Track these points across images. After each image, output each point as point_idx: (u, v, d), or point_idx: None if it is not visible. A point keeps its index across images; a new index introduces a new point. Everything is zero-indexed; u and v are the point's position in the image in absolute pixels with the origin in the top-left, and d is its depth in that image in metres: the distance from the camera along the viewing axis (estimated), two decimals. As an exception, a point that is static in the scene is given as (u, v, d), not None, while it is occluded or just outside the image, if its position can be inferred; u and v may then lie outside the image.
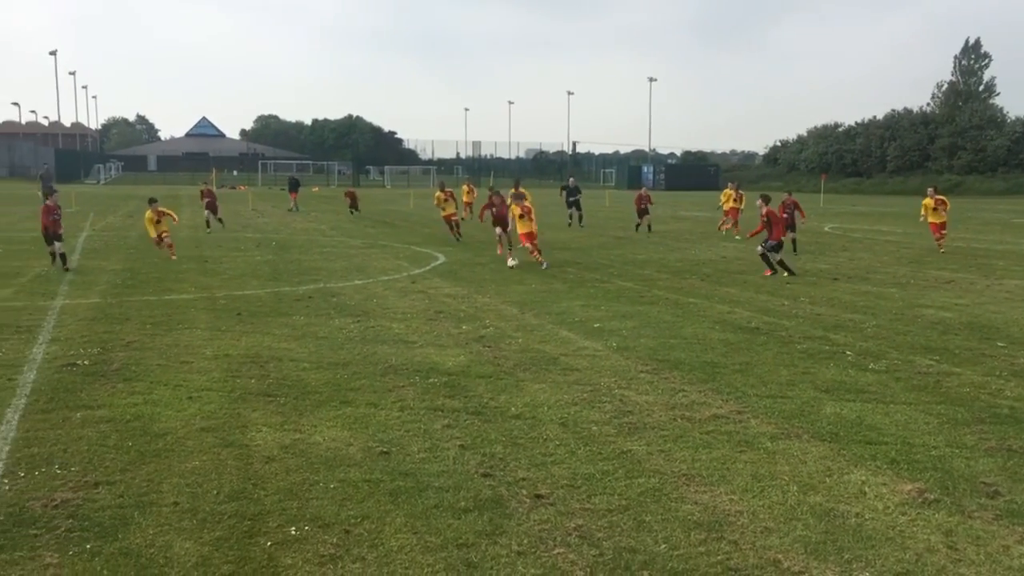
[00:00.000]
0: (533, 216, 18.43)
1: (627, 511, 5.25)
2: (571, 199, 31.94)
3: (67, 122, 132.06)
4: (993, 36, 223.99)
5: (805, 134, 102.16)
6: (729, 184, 28.87)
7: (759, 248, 17.41)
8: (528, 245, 18.14)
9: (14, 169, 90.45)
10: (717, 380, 8.56)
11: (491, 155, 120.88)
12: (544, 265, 17.72)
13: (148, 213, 19.69)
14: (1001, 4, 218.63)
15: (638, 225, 28.69)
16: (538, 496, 5.47)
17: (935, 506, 5.37)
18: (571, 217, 31.75)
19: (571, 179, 36.69)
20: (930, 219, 22.03)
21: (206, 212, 28.85)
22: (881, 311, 12.82)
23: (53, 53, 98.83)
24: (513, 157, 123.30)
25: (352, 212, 38.03)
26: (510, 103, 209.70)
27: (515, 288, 14.98)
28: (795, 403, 7.74)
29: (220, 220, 29.02)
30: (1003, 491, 5.61)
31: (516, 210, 18.42)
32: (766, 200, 17.08)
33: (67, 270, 16.55)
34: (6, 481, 5.66)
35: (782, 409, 7.54)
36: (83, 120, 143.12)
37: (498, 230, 20.08)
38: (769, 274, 16.91)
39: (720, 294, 14.56)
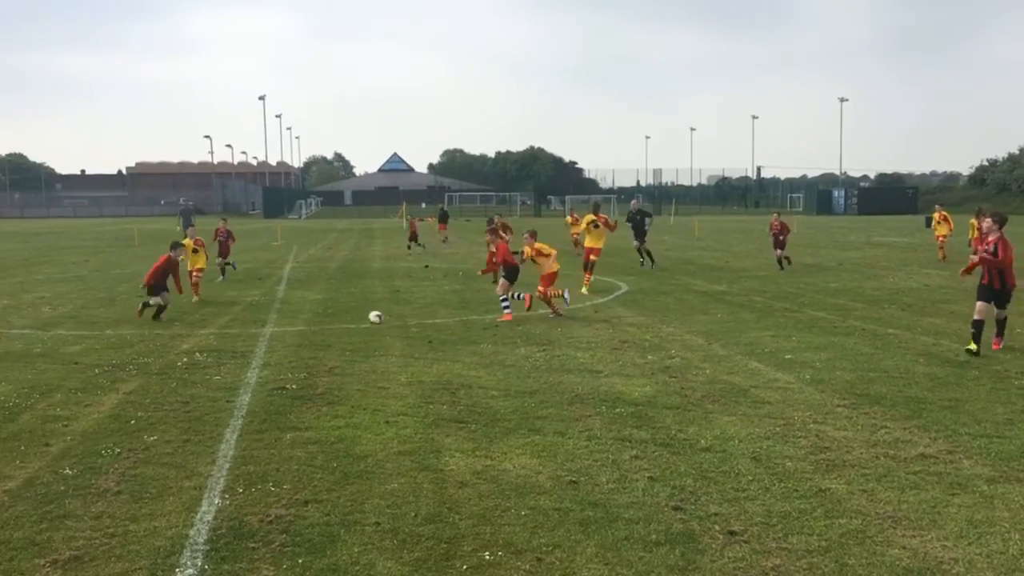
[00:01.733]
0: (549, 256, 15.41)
1: (828, 553, 5.01)
2: (638, 229, 24.80)
3: (273, 161, 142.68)
4: None
5: (1017, 152, 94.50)
6: (936, 207, 27.36)
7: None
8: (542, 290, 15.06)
9: (227, 205, 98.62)
10: (923, 417, 8.03)
11: (672, 182, 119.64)
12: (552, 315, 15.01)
13: (187, 241, 18.24)
14: None
15: (779, 260, 23.90)
16: (731, 532, 5.32)
17: None
18: (641, 255, 24.75)
19: (634, 202, 27.50)
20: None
21: (411, 242, 32.75)
22: (1113, 344, 11.61)
23: (262, 98, 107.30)
24: (695, 184, 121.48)
25: (410, 246, 33.40)
26: (692, 129, 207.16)
27: (700, 318, 14.70)
28: (1014, 444, 7.14)
29: (422, 245, 33.37)
30: None
31: (528, 252, 15.43)
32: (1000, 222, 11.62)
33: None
34: (227, 496, 6.14)
35: (999, 450, 6.97)
36: (287, 159, 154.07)
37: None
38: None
39: (923, 325, 13.68)
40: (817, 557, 4.96)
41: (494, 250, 17.08)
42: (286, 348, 12.22)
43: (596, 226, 19.26)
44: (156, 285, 15.36)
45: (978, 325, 10.97)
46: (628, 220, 25.71)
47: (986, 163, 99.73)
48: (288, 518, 5.67)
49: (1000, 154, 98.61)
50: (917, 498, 5.91)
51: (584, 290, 18.34)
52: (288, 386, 9.68)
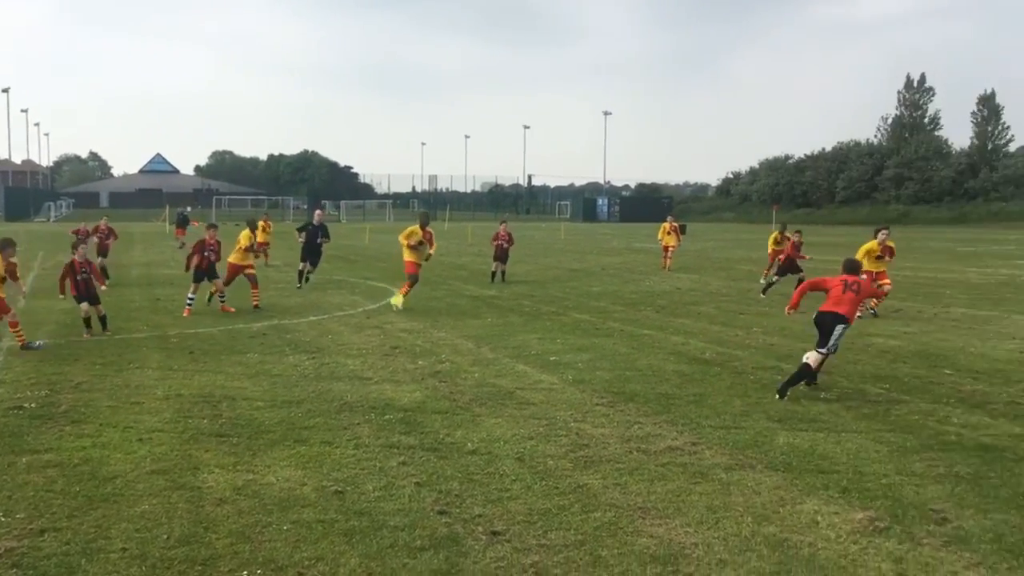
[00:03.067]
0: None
1: (583, 546, 5.25)
2: (309, 244, 20.74)
3: (18, 159, 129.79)
4: (936, 70, 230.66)
5: (757, 166, 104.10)
6: (668, 218, 28.49)
7: None
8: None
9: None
10: (672, 412, 8.63)
11: (447, 188, 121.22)
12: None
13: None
14: (943, 40, 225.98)
15: (493, 274, 22.85)
16: (494, 533, 5.45)
17: (885, 534, 5.46)
18: (301, 276, 20.95)
19: (317, 212, 23.27)
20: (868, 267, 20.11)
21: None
22: (832, 340, 13.03)
23: (6, 90, 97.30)
24: (469, 191, 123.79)
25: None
26: (466, 137, 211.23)
27: (471, 323, 14.98)
28: (749, 433, 7.83)
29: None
30: (951, 517, 5.72)
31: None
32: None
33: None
34: (-54, 530, 5.49)
35: (736, 439, 7.62)
36: (34, 157, 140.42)
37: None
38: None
39: (675, 325, 14.71)
40: (573, 551, 5.19)
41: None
42: (25, 363, 11.14)
43: (420, 242, 17.35)
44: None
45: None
46: (300, 229, 21.84)
47: (731, 176, 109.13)
48: (20, 550, 5.16)
49: (743, 168, 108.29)
50: (664, 488, 6.33)
51: (397, 301, 16.82)
52: (26, 405, 8.82)
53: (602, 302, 18.21)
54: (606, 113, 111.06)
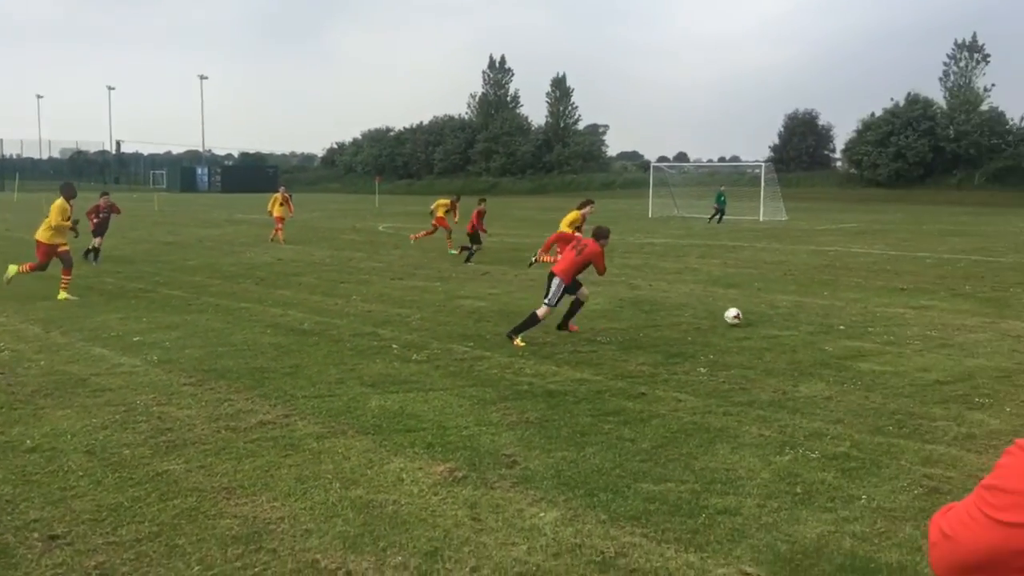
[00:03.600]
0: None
1: (158, 538, 4.88)
2: None
3: None
4: (517, 53, 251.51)
5: (360, 137, 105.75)
6: (281, 188, 27.92)
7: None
8: None
9: None
10: (266, 385, 8.40)
11: (16, 155, 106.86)
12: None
13: None
14: (522, 24, 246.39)
15: (88, 252, 19.57)
16: (53, 537, 4.86)
17: (463, 483, 5.79)
18: None
19: None
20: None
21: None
22: (426, 304, 13.64)
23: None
24: (45, 157, 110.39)
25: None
26: (39, 97, 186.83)
27: (41, 304, 13.33)
28: (342, 400, 7.88)
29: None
30: (520, 460, 6.24)
31: None
32: None
33: None
34: None
35: (329, 408, 7.62)
36: None
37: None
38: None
39: (274, 297, 14.39)
40: (146, 544, 4.80)
41: None
42: None
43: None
44: None
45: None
46: None
47: (335, 146, 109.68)
48: None
49: (347, 139, 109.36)
50: (253, 465, 6.12)
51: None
52: None
53: (197, 276, 17.25)
54: (202, 77, 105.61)
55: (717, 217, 38.46)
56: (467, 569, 4.57)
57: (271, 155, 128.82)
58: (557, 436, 6.85)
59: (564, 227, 15.30)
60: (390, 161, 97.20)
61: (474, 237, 20.53)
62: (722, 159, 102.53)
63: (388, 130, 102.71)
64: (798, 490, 5.74)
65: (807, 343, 10.65)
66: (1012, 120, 73.70)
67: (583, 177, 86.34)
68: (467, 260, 20.06)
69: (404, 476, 5.91)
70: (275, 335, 11.01)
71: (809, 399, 8.04)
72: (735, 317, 11.98)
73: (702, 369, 9.22)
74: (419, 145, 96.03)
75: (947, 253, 23.09)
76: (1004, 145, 71.64)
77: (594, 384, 8.53)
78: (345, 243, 26.17)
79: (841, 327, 11.74)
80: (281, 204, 26.22)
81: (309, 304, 13.62)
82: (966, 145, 71.13)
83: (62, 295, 13.98)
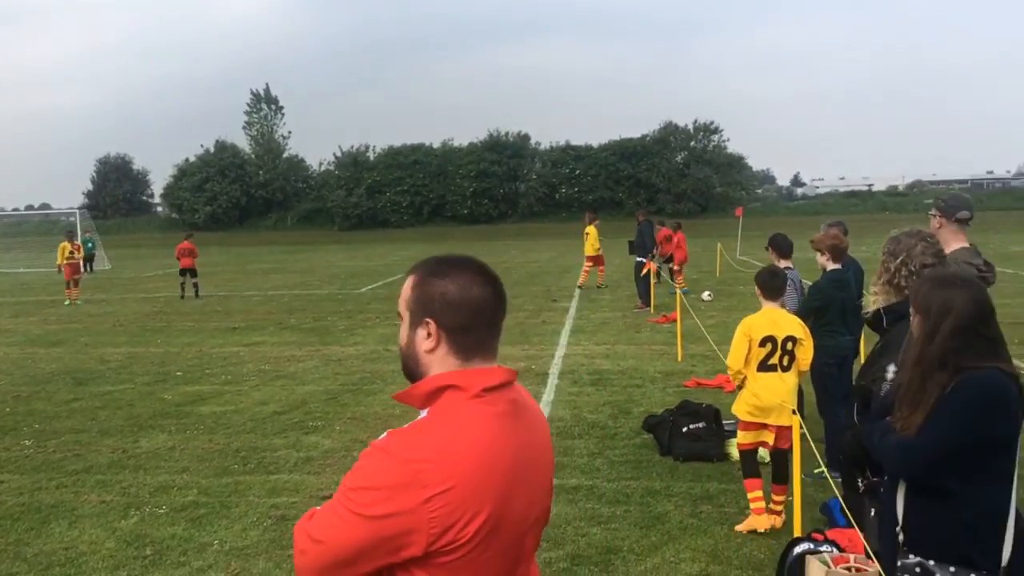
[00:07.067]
0: None
1: None
2: None
3: None
4: None
5: None
6: None
7: None
8: None
9: None
10: None
11: None
12: None
13: None
14: None
15: None
16: None
17: None
18: None
19: None
20: None
21: None
22: None
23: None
24: None
25: None
26: None
27: None
28: None
29: None
30: None
31: None
32: None
33: None
34: None
35: None
36: None
37: None
38: None
39: None
40: None
41: None
42: None
43: None
44: None
45: None
46: None
47: None
48: None
49: None
50: None
51: None
52: None
53: None
54: None
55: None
56: None
57: None
58: None
59: None
60: None
61: None
62: (30, 207, 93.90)
63: None
64: (148, 552, 5.40)
65: (145, 394, 10.21)
66: (311, 166, 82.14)
67: None
68: None
69: None
70: None
71: (152, 452, 7.68)
72: (708, 294, 16.54)
73: (27, 441, 8.18)
74: None
75: (271, 289, 24.52)
76: (308, 188, 79.42)
77: None
78: None
79: (179, 373, 11.55)
80: None
81: None
82: (273, 190, 76.97)
83: None
